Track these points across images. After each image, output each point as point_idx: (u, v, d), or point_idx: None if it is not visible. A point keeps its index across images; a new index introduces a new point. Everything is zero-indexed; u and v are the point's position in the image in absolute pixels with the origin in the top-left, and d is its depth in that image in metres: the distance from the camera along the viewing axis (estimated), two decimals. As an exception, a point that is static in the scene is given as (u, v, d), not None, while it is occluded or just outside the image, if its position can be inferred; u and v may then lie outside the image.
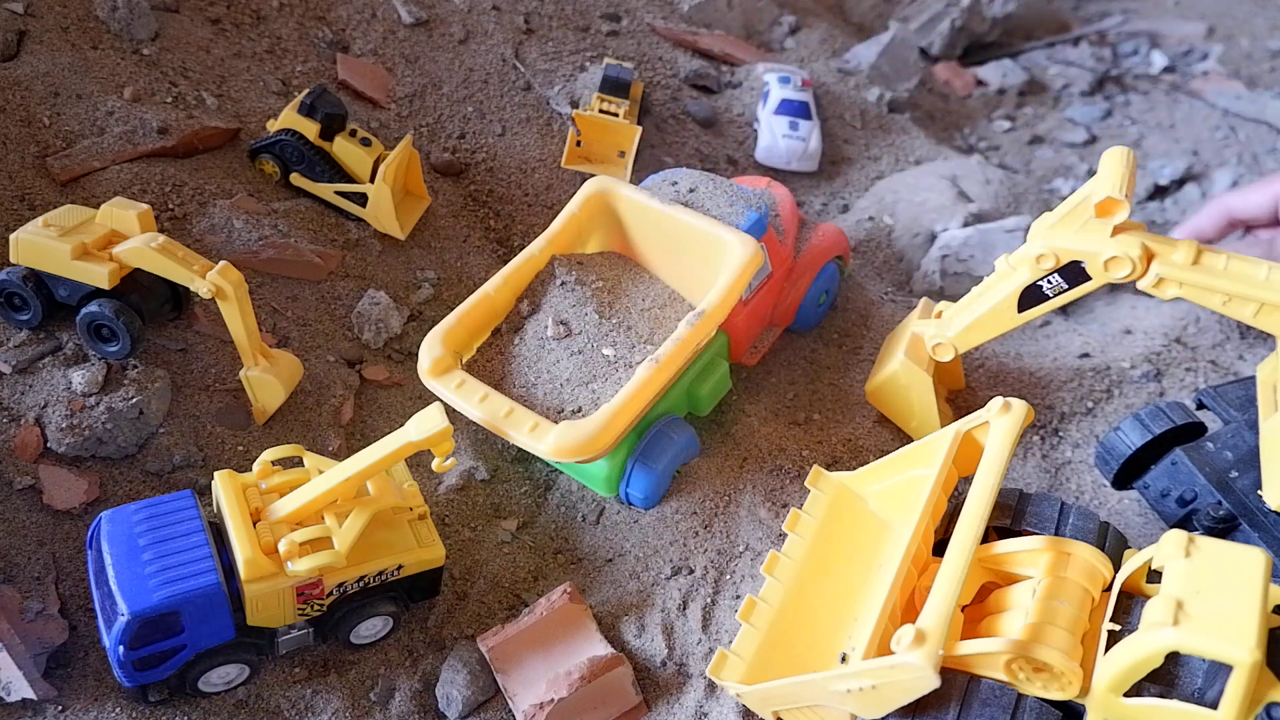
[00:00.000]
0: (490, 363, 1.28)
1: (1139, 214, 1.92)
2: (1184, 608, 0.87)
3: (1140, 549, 1.04)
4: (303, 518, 1.05)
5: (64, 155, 1.40)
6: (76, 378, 1.19)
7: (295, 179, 1.51)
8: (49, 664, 1.05)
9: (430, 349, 1.23)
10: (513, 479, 1.32)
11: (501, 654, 1.11)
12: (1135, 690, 0.92)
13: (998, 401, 1.12)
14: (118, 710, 1.04)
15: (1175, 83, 2.28)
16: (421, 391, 1.29)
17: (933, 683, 0.90)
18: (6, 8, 1.51)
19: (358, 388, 1.36)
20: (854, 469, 1.24)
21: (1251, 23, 2.50)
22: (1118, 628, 0.97)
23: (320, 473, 1.07)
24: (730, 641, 1.13)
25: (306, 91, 1.49)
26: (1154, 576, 0.99)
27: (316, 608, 1.06)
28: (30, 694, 1.01)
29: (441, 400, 1.16)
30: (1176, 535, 0.94)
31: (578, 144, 1.70)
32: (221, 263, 1.19)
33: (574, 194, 1.39)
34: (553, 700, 1.05)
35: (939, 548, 1.09)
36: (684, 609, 1.18)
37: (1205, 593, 0.88)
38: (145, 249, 1.17)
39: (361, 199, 1.50)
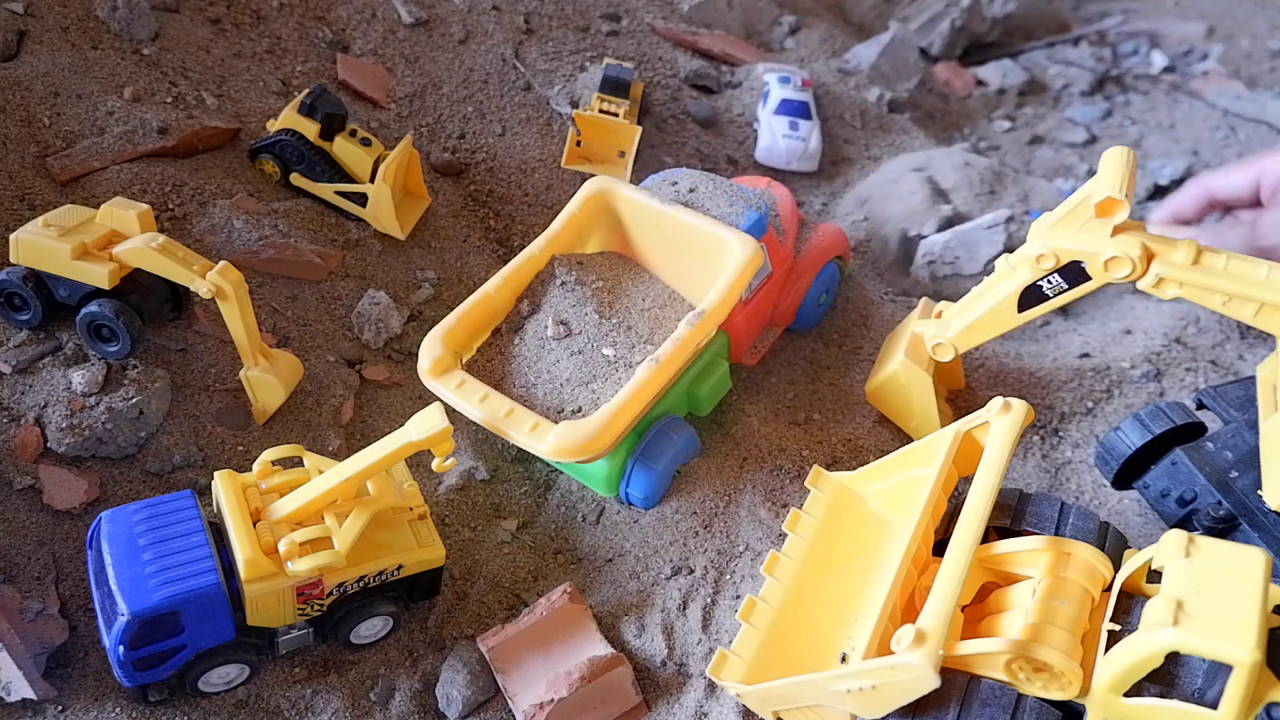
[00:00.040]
0: (490, 363, 1.28)
1: (1139, 214, 1.92)
2: (1184, 608, 0.87)
3: (1140, 549, 1.04)
4: (303, 518, 1.05)
5: (64, 155, 1.40)
6: (76, 378, 1.19)
7: (295, 179, 1.51)
8: (49, 664, 1.05)
9: (430, 349, 1.23)
10: (513, 479, 1.32)
11: (501, 654, 1.11)
12: (1135, 690, 0.92)
13: (998, 401, 1.12)
14: (118, 710, 1.04)
15: (1175, 83, 2.28)
16: (421, 391, 1.29)
17: (933, 683, 0.90)
18: (6, 8, 1.51)
19: (358, 388, 1.36)
20: (854, 469, 1.24)
21: (1251, 23, 2.50)
22: (1118, 628, 0.97)
23: (320, 473, 1.07)
24: (730, 641, 1.13)
25: (306, 91, 1.49)
26: (1154, 576, 0.99)
27: (316, 608, 1.06)
28: (30, 694, 1.01)
29: (441, 400, 1.16)
30: (1176, 535, 0.94)
31: (578, 144, 1.70)
32: (221, 263, 1.19)
33: (574, 194, 1.39)
34: (553, 700, 1.05)
35: (939, 548, 1.09)
36: (684, 609, 1.18)
37: (1205, 593, 0.88)
38: (145, 249, 1.17)
39: (361, 199, 1.50)
